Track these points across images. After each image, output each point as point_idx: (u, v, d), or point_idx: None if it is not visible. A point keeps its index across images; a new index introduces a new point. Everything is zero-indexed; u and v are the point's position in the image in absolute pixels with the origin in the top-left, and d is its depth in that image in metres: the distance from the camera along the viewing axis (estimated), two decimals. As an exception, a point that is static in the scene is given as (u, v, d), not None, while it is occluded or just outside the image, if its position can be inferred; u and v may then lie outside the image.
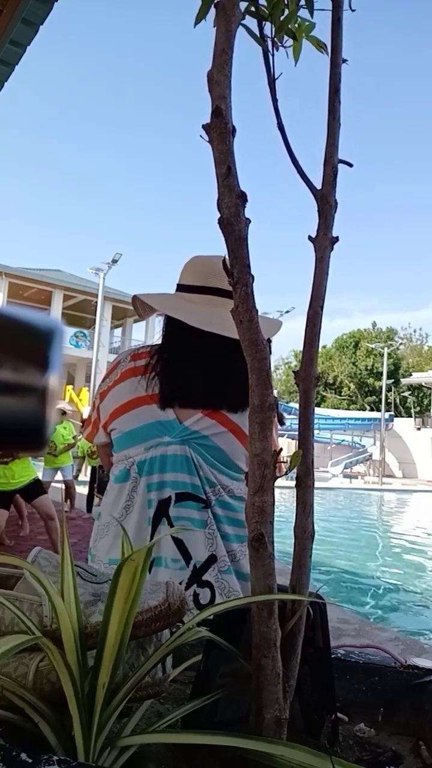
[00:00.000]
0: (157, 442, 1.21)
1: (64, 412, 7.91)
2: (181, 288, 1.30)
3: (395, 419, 34.80)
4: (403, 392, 42.50)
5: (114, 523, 1.23)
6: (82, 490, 8.75)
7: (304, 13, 0.86)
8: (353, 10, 0.77)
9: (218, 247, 0.71)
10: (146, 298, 1.30)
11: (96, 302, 20.95)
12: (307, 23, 0.86)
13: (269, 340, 1.24)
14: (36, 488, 5.26)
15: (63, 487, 8.18)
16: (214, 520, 1.20)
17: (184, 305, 1.25)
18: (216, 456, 1.21)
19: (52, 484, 8.09)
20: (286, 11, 0.83)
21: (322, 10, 0.80)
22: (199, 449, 1.20)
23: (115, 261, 19.24)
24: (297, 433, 0.72)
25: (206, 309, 1.22)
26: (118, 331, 30.10)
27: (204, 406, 1.21)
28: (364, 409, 41.35)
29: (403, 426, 33.93)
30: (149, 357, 1.26)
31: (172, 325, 1.25)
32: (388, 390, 36.96)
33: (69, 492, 8.29)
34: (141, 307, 1.36)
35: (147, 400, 1.22)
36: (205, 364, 1.22)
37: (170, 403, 1.22)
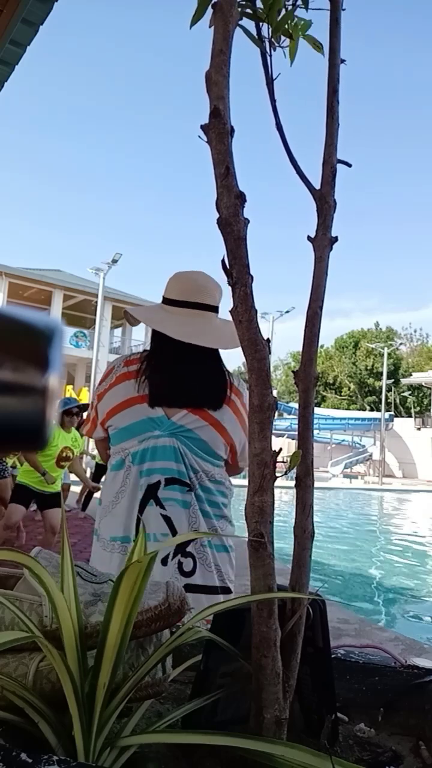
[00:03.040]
0: (148, 435, 1.41)
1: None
2: (165, 301, 1.51)
3: (395, 419, 34.76)
4: (403, 392, 42.45)
5: (112, 504, 1.43)
6: (77, 488, 8.77)
7: (301, 12, 0.86)
8: (344, 9, 0.77)
9: (218, 247, 0.71)
10: (134, 312, 1.54)
11: (96, 302, 20.94)
12: (303, 21, 0.86)
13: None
14: (56, 501, 5.29)
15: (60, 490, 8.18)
16: (197, 501, 1.41)
17: (168, 318, 1.46)
18: (199, 446, 1.42)
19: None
20: (283, 11, 0.83)
21: (319, 9, 0.80)
22: (185, 441, 1.41)
23: (115, 261, 19.24)
24: (297, 433, 0.72)
25: (187, 321, 1.45)
26: (118, 331, 30.05)
27: (186, 406, 1.41)
28: (364, 409, 41.31)
29: (403, 426, 33.89)
30: (140, 363, 1.47)
31: (158, 336, 1.46)
32: (388, 390, 36.92)
33: (64, 494, 8.29)
34: (132, 318, 1.57)
35: (139, 400, 1.43)
36: (186, 370, 1.43)
37: (158, 403, 1.42)
